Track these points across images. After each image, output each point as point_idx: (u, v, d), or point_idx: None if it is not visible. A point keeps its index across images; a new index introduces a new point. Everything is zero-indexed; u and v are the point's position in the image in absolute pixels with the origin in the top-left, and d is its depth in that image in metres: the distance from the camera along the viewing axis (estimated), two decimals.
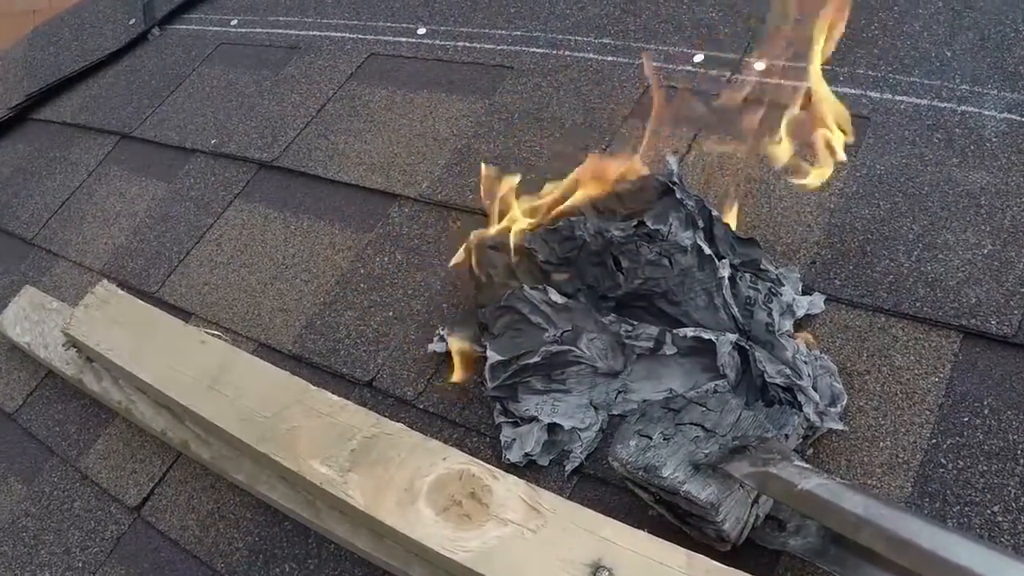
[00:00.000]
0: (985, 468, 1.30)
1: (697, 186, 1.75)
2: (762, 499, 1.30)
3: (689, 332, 1.48)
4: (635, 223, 1.53)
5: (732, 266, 1.52)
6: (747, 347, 1.44)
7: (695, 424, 1.36)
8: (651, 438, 1.34)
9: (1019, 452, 1.29)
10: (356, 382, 1.79)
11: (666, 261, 1.51)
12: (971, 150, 1.64)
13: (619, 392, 1.54)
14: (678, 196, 1.54)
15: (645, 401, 1.50)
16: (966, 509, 1.27)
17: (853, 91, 1.80)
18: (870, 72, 1.82)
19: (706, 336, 1.45)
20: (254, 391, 1.63)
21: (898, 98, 1.76)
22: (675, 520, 1.33)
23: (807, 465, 1.25)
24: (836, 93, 1.73)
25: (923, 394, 1.40)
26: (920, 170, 1.64)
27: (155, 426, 1.85)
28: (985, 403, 1.36)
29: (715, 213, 1.55)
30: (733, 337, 1.45)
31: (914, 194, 1.62)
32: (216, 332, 1.89)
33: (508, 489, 1.32)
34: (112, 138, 2.89)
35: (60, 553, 1.87)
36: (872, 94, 1.78)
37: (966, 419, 1.35)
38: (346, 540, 1.52)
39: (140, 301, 2.00)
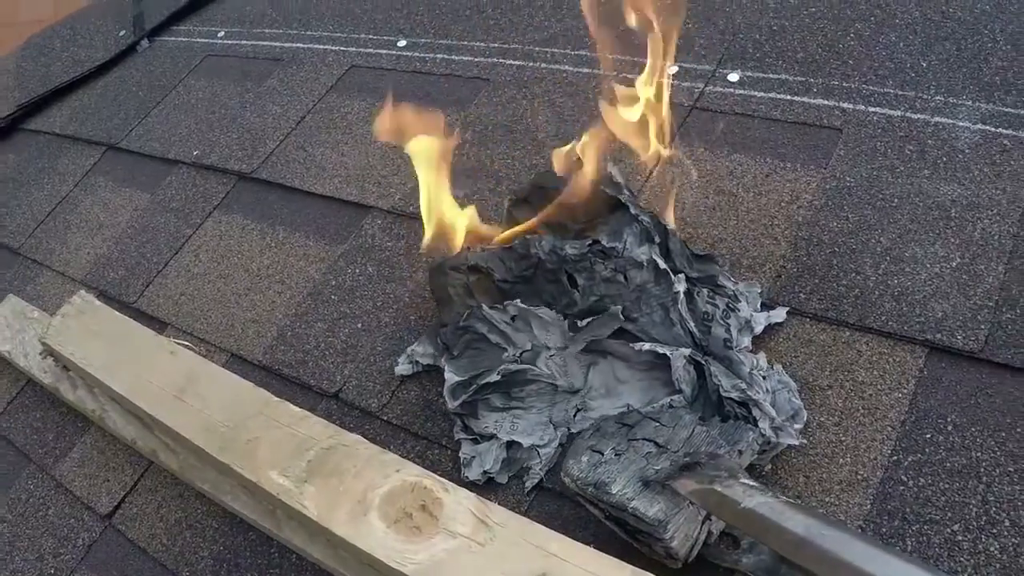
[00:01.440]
0: (947, 486, 1.28)
1: (666, 201, 1.76)
2: (715, 516, 1.30)
3: (645, 347, 1.48)
4: (590, 241, 1.53)
5: (689, 280, 1.52)
6: (702, 362, 1.44)
7: (648, 440, 1.36)
8: (603, 454, 1.35)
9: (982, 470, 1.28)
10: (323, 393, 1.80)
11: (621, 277, 1.51)
12: (943, 162, 1.64)
13: (578, 410, 1.54)
14: (632, 212, 1.54)
15: (602, 417, 1.51)
16: (925, 528, 1.26)
17: (826, 102, 1.80)
18: (844, 83, 1.82)
19: (661, 351, 1.46)
20: (219, 402, 1.64)
21: (871, 109, 1.76)
22: (626, 536, 1.33)
23: (754, 483, 1.24)
24: (809, 105, 1.74)
25: (885, 410, 1.39)
26: (891, 182, 1.64)
27: (126, 435, 1.87)
28: (949, 419, 1.35)
29: (670, 227, 1.55)
30: (687, 351, 1.45)
31: (883, 207, 1.61)
32: (186, 343, 1.91)
33: (459, 502, 1.33)
34: (99, 149, 2.91)
35: (33, 560, 1.88)
36: (845, 105, 1.78)
37: (928, 436, 1.34)
38: (304, 550, 1.53)
39: (115, 312, 2.01)
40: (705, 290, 1.53)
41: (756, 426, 1.37)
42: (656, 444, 1.34)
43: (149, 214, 2.51)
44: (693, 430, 1.36)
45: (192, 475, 1.73)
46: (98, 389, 1.95)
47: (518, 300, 1.55)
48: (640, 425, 1.39)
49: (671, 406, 1.45)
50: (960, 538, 1.24)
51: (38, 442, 2.10)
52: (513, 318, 1.55)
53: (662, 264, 1.50)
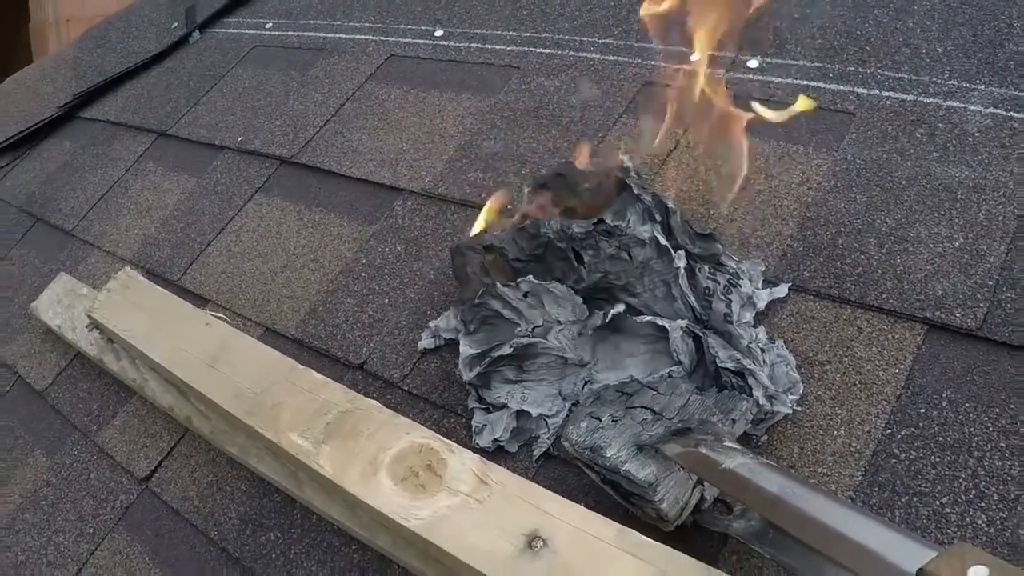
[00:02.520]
0: (938, 460, 1.31)
1: (679, 182, 1.81)
2: (700, 478, 1.34)
3: (646, 319, 1.53)
4: (595, 220, 1.59)
5: (691, 256, 1.57)
6: (700, 334, 1.49)
7: (645, 407, 1.41)
8: (601, 420, 1.40)
9: (974, 445, 1.30)
10: (349, 365, 1.87)
11: (625, 255, 1.56)
12: (953, 144, 1.66)
13: (586, 382, 1.59)
14: (635, 191, 1.59)
15: (604, 386, 1.56)
16: (914, 500, 1.28)
17: (841, 87, 1.84)
18: (860, 69, 1.85)
19: (659, 323, 1.51)
20: (247, 369, 1.72)
21: (885, 94, 1.79)
22: (620, 499, 1.38)
23: (737, 446, 1.29)
24: (824, 90, 1.79)
25: (882, 385, 1.41)
26: (899, 164, 1.67)
27: (164, 403, 1.95)
28: (944, 395, 1.37)
29: (671, 206, 1.60)
30: (683, 323, 1.50)
31: (891, 188, 1.64)
32: (221, 315, 1.99)
33: (462, 463, 1.39)
34: (150, 136, 3.02)
35: (74, 520, 1.97)
36: (859, 90, 1.81)
37: (923, 411, 1.36)
38: (323, 510, 1.60)
39: (157, 287, 2.11)
40: (707, 266, 1.57)
41: (751, 395, 1.42)
42: (652, 411, 1.40)
43: (195, 197, 2.60)
44: (689, 399, 1.41)
45: (222, 440, 1.80)
46: (139, 360, 2.04)
47: (531, 276, 1.61)
48: (638, 394, 1.44)
49: (670, 375, 1.50)
50: (948, 510, 1.26)
51: (83, 411, 2.19)
52: (526, 294, 1.61)
53: (663, 241, 1.55)
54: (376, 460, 1.44)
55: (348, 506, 1.55)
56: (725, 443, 1.29)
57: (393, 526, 1.39)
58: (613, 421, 1.39)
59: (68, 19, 9.07)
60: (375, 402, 1.55)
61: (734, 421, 1.38)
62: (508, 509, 1.31)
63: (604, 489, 1.40)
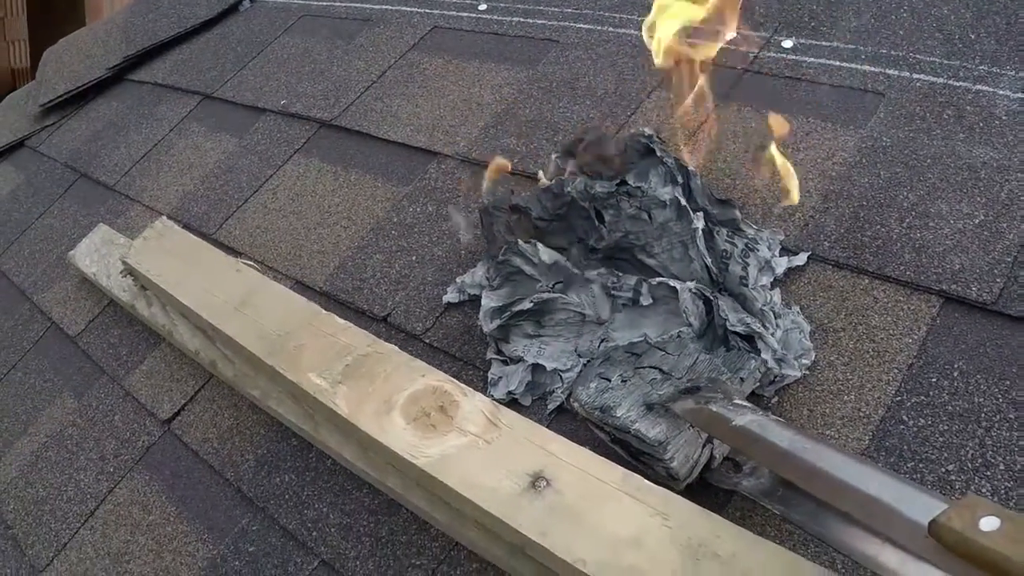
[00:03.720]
0: (946, 428, 1.32)
1: (706, 153, 1.82)
2: (717, 440, 1.36)
3: (658, 280, 1.55)
4: (618, 180, 1.61)
5: (709, 220, 1.58)
6: (710, 296, 1.51)
7: (654, 367, 1.43)
8: (610, 380, 1.42)
9: (983, 415, 1.31)
10: (374, 317, 1.90)
11: (645, 215, 1.58)
12: (979, 126, 1.67)
13: (602, 340, 1.61)
14: (658, 154, 1.62)
15: (613, 346, 1.58)
16: (920, 465, 1.29)
17: (872, 69, 1.85)
18: (892, 52, 1.87)
19: (671, 284, 1.52)
20: (273, 313, 1.75)
21: (915, 76, 1.80)
22: (630, 458, 1.39)
23: (746, 403, 1.30)
24: (855, 71, 1.80)
25: (894, 353, 1.43)
26: (925, 143, 1.68)
27: (191, 347, 1.99)
28: (956, 366, 1.38)
29: (691, 168, 1.62)
30: (693, 285, 1.51)
31: (915, 166, 1.66)
32: (251, 262, 2.02)
33: (473, 405, 1.41)
34: (196, 98, 3.07)
35: (96, 459, 2.02)
36: (890, 72, 1.83)
37: (934, 380, 1.38)
38: (337, 452, 1.63)
39: (191, 235, 2.15)
40: (724, 230, 1.59)
41: (759, 356, 1.43)
42: (661, 371, 1.41)
43: (235, 156, 2.65)
44: (697, 358, 1.42)
45: (245, 383, 1.84)
46: (169, 305, 2.08)
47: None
48: (647, 354, 1.46)
49: (679, 336, 1.51)
50: (953, 478, 1.27)
51: (112, 356, 2.24)
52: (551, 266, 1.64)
53: (683, 202, 1.57)
54: (391, 400, 1.47)
55: (361, 448, 1.58)
56: (735, 401, 1.30)
57: (402, 465, 1.41)
58: (622, 381, 1.41)
59: None
60: (394, 346, 1.58)
61: (742, 380, 1.39)
62: (515, 450, 1.33)
63: (614, 449, 1.41)
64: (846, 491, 1.10)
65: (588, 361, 1.59)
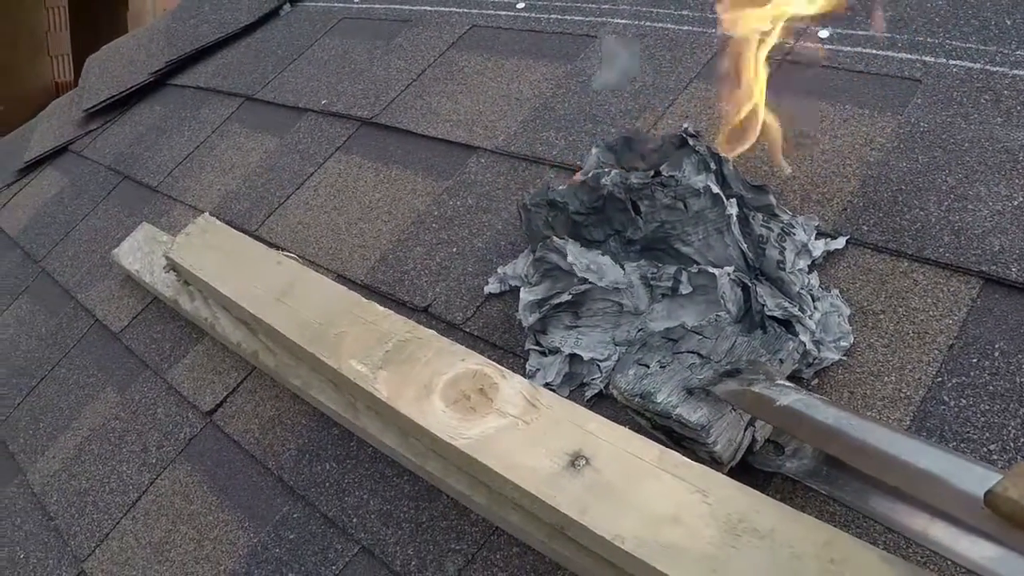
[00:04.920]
0: (987, 408, 1.31)
1: (745, 142, 1.82)
2: (759, 423, 1.35)
3: (696, 268, 1.55)
4: (653, 171, 1.62)
5: (744, 205, 1.59)
6: (748, 283, 1.50)
7: (692, 352, 1.42)
8: (649, 367, 1.41)
9: None
10: (415, 308, 1.91)
11: (681, 204, 1.59)
12: (1017, 110, 1.66)
13: (639, 330, 1.61)
14: (690, 143, 1.62)
15: (649, 332, 1.58)
16: (962, 446, 1.29)
17: (909, 56, 1.85)
18: (928, 39, 1.86)
19: (709, 271, 1.52)
20: (314, 303, 1.77)
21: (952, 62, 1.80)
22: (672, 444, 1.38)
23: (789, 384, 1.30)
24: (892, 59, 1.80)
25: (935, 335, 1.42)
26: (963, 128, 1.68)
27: (232, 339, 2.01)
28: (996, 346, 1.37)
29: (724, 155, 1.62)
30: (730, 270, 1.51)
31: (953, 150, 1.65)
32: (292, 254, 2.04)
33: (513, 387, 1.42)
34: (237, 100, 3.10)
35: (138, 451, 2.04)
36: (927, 58, 1.83)
37: (975, 360, 1.37)
38: (378, 438, 1.64)
39: (233, 230, 2.17)
40: (760, 215, 1.59)
41: (796, 337, 1.43)
42: (699, 355, 1.41)
43: (277, 155, 2.67)
44: (735, 341, 1.42)
45: (286, 373, 1.85)
46: (211, 298, 2.10)
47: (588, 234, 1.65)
48: (685, 339, 1.45)
49: (716, 320, 1.51)
50: (996, 457, 1.26)
51: (156, 351, 2.26)
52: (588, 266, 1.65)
53: (716, 189, 1.57)
54: (431, 384, 1.48)
55: (402, 434, 1.59)
56: (777, 382, 1.30)
57: (442, 447, 1.42)
58: (661, 367, 1.40)
59: (165, 9, 9.28)
60: (433, 332, 1.59)
61: (781, 361, 1.39)
62: (554, 430, 1.34)
63: (656, 435, 1.41)
64: (895, 465, 1.10)
65: (626, 350, 1.59)
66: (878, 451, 1.13)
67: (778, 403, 1.24)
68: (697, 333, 1.46)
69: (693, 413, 1.32)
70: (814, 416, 1.21)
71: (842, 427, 1.18)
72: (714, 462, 1.32)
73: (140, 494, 1.94)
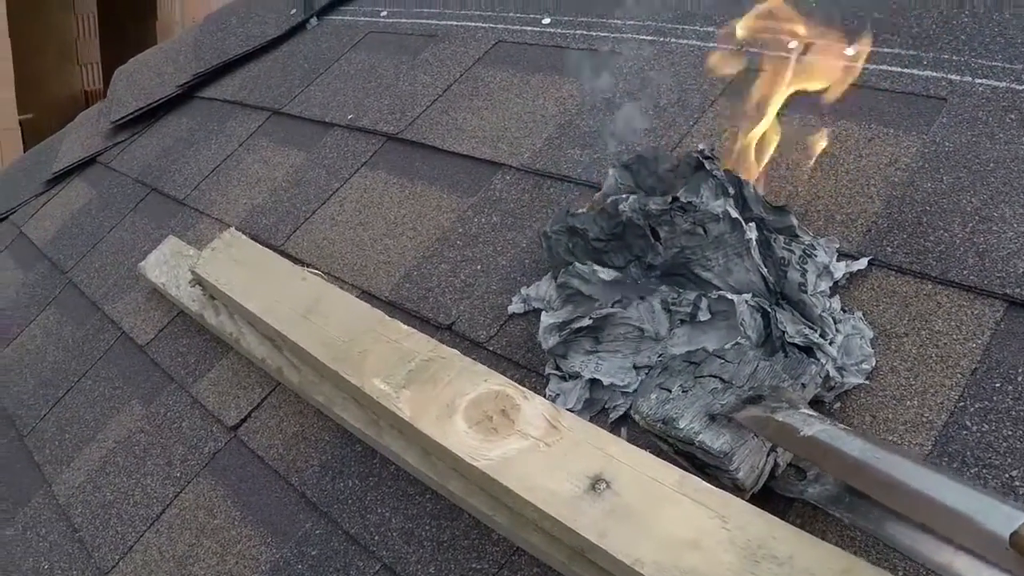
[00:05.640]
0: (1010, 433, 1.30)
1: (768, 162, 1.83)
2: (780, 448, 1.35)
3: (716, 294, 1.55)
4: (671, 197, 1.62)
5: (765, 227, 1.59)
6: (768, 308, 1.51)
7: (714, 376, 1.42)
8: (671, 391, 1.41)
9: None
10: (439, 325, 1.92)
11: (700, 230, 1.59)
12: None
13: (659, 356, 1.61)
14: (707, 168, 1.63)
15: (671, 356, 1.58)
16: (984, 471, 1.28)
17: (934, 74, 1.84)
18: (954, 57, 1.86)
19: (728, 297, 1.53)
20: (338, 320, 1.79)
21: (977, 81, 1.79)
22: (694, 470, 1.37)
23: (813, 413, 1.29)
24: (917, 77, 1.80)
25: (958, 358, 1.41)
26: (988, 148, 1.67)
27: (257, 355, 2.02)
28: (1020, 371, 1.36)
29: (743, 178, 1.62)
30: (748, 297, 1.51)
31: (978, 170, 1.64)
32: (317, 271, 2.05)
33: (534, 408, 1.43)
34: (264, 114, 3.12)
35: (163, 464, 2.05)
36: (952, 77, 1.82)
37: (998, 385, 1.36)
38: (400, 456, 1.65)
39: (259, 245, 2.19)
40: (781, 237, 1.59)
41: (819, 362, 1.43)
42: (721, 380, 1.40)
43: (303, 170, 2.69)
44: (757, 365, 1.41)
45: (310, 390, 1.86)
46: (236, 313, 2.11)
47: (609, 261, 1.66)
48: (706, 362, 1.45)
49: (737, 344, 1.51)
50: (1018, 483, 1.25)
51: (181, 364, 2.28)
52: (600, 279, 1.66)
53: (735, 214, 1.57)
54: (453, 404, 1.49)
55: (424, 452, 1.60)
56: (801, 410, 1.30)
57: (464, 468, 1.43)
58: (683, 391, 1.40)
59: (193, 19, 9.34)
60: (456, 351, 1.60)
61: (804, 385, 1.39)
62: (575, 452, 1.34)
63: (678, 460, 1.40)
64: (921, 502, 1.10)
65: (648, 374, 1.59)
66: (904, 486, 1.12)
67: (802, 433, 1.24)
68: (719, 357, 1.45)
69: (716, 440, 1.32)
70: (839, 448, 1.20)
71: (867, 460, 1.17)
72: (737, 489, 1.32)
73: (164, 507, 1.96)
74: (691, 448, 1.34)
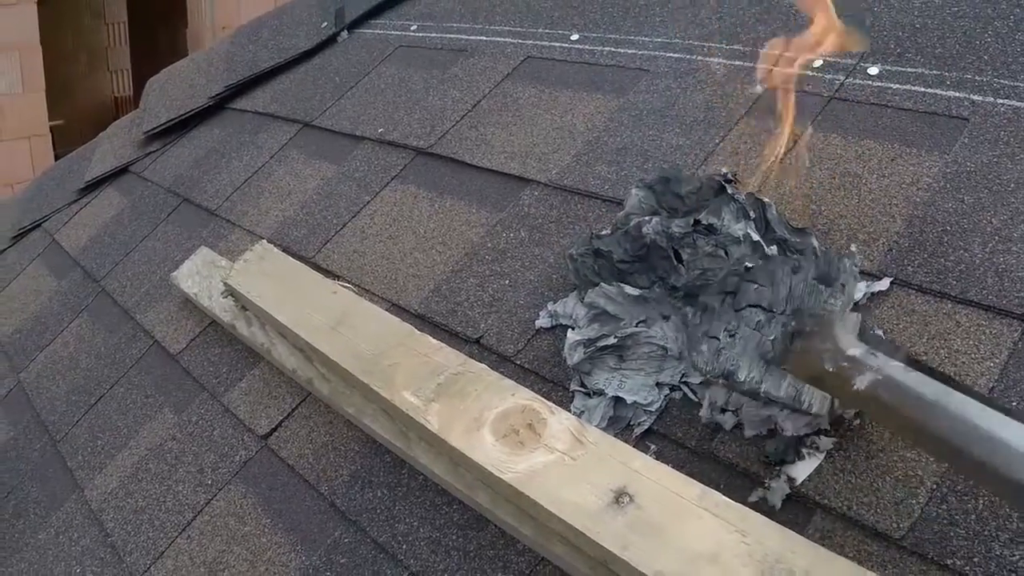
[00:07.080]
0: None
1: (791, 180, 1.86)
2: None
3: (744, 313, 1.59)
4: (693, 220, 1.66)
5: (787, 249, 1.61)
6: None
7: (752, 306, 1.45)
8: (719, 338, 1.45)
9: None
10: (467, 339, 1.95)
11: (722, 252, 1.62)
12: None
13: (683, 375, 1.65)
14: (729, 191, 1.66)
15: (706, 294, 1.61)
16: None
17: (957, 94, 1.86)
18: (977, 77, 1.88)
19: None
20: (368, 333, 1.82)
21: (1000, 101, 1.81)
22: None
23: (858, 347, 1.29)
24: (940, 96, 1.83)
25: (976, 377, 1.43)
26: (1009, 168, 1.69)
27: (288, 365, 2.06)
28: None
29: (766, 200, 1.65)
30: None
31: (999, 191, 1.66)
32: (347, 283, 2.09)
33: (560, 423, 1.46)
34: (295, 126, 3.16)
35: (194, 472, 2.09)
36: (975, 97, 1.84)
37: (1015, 404, 1.38)
38: (428, 468, 1.68)
39: (290, 258, 2.23)
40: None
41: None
42: (762, 308, 1.44)
43: (334, 183, 2.73)
44: (791, 283, 1.45)
45: (340, 400, 1.90)
46: (268, 324, 2.15)
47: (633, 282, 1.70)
48: (742, 292, 1.49)
49: (763, 258, 1.54)
50: None
51: (213, 373, 2.32)
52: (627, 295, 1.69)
53: (755, 237, 1.60)
54: (481, 417, 1.52)
55: (452, 464, 1.64)
56: (848, 352, 1.29)
57: (491, 480, 1.47)
58: (731, 336, 1.43)
59: (224, 27, 9.43)
60: (484, 366, 1.64)
61: (843, 286, 1.43)
62: (599, 466, 1.38)
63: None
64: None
65: (671, 391, 1.63)
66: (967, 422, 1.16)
67: (855, 387, 1.25)
68: (751, 282, 1.49)
69: (779, 387, 1.37)
70: (896, 407, 1.23)
71: (938, 405, 1.19)
72: (815, 417, 1.38)
73: (195, 514, 2.00)
74: (756, 399, 1.39)
